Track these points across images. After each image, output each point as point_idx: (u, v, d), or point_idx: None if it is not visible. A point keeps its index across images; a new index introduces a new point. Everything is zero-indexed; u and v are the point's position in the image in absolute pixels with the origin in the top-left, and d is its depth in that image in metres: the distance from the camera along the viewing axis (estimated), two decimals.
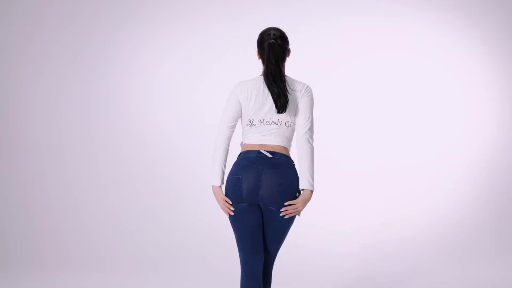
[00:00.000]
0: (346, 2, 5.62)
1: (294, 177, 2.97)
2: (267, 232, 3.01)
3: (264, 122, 2.98)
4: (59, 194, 5.47)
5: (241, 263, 3.01)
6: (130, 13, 5.59)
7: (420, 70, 5.61)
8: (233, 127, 3.04)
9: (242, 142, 3.08)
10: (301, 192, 2.97)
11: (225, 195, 2.99)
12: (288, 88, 2.95)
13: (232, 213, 2.94)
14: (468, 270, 4.99)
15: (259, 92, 2.97)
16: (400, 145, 5.57)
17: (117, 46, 5.58)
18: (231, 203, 2.95)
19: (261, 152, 2.96)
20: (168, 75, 5.61)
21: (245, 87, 3.00)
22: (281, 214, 2.93)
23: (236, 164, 2.99)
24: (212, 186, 3.01)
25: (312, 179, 2.96)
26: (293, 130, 3.03)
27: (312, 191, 2.97)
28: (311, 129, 3.00)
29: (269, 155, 2.95)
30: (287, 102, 2.92)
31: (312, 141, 3.00)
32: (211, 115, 5.26)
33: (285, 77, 2.98)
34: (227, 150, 3.03)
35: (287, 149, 3.02)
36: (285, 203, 2.92)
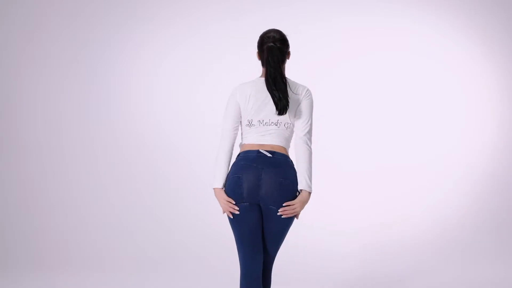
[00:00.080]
0: (346, 2, 5.62)
1: (294, 176, 2.97)
2: (266, 232, 3.01)
3: (264, 123, 2.98)
4: (59, 194, 5.47)
5: (241, 264, 3.01)
6: (130, 13, 5.59)
7: (420, 70, 5.61)
8: (236, 129, 3.04)
9: (241, 143, 3.08)
10: (299, 193, 2.97)
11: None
12: (289, 91, 2.95)
13: (238, 212, 2.94)
14: (468, 270, 4.99)
15: (258, 94, 2.97)
16: (400, 145, 5.57)
17: (117, 46, 5.59)
18: (234, 203, 2.94)
19: (261, 152, 2.96)
20: (168, 75, 5.61)
21: (244, 89, 3.01)
22: (278, 214, 2.93)
23: (235, 164, 2.99)
24: (214, 188, 3.01)
25: (310, 180, 2.97)
26: (292, 131, 3.04)
27: (310, 193, 2.98)
28: (310, 131, 3.01)
29: (269, 155, 2.95)
30: (288, 105, 2.91)
31: (311, 143, 3.01)
32: (211, 115, 5.29)
33: (287, 80, 2.98)
34: (231, 153, 3.03)
35: (286, 149, 3.02)
36: (284, 204, 2.92)
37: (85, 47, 5.56)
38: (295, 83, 3.03)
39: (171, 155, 5.55)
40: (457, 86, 5.65)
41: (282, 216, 2.94)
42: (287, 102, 2.91)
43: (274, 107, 2.93)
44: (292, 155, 3.02)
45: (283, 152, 2.99)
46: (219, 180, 2.99)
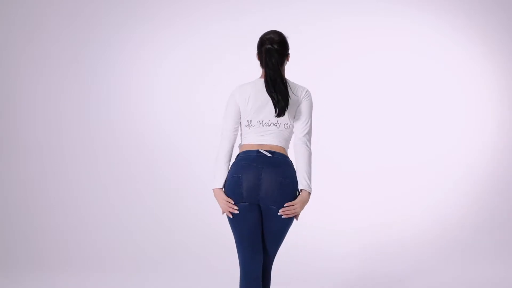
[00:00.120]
0: (346, 2, 5.62)
1: (294, 175, 2.97)
2: (266, 232, 3.00)
3: (263, 124, 2.98)
4: (59, 194, 5.47)
5: (240, 264, 3.01)
6: (130, 13, 5.59)
7: (420, 70, 5.61)
8: (236, 129, 3.04)
9: (240, 143, 3.08)
10: (299, 193, 2.97)
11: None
12: (290, 92, 2.95)
13: (237, 212, 2.93)
14: (468, 270, 4.99)
15: (258, 95, 2.97)
16: (400, 145, 5.57)
17: (117, 46, 5.59)
18: (233, 203, 2.94)
19: (260, 152, 2.96)
20: (168, 75, 5.61)
21: (243, 90, 3.01)
22: (278, 214, 2.93)
23: (235, 164, 2.99)
24: (213, 188, 3.01)
25: (310, 181, 2.97)
26: (291, 132, 3.04)
27: (310, 193, 2.97)
28: (309, 132, 3.02)
29: (269, 154, 2.95)
30: (287, 107, 2.92)
31: (310, 144, 3.01)
32: (211, 115, 5.29)
33: (286, 81, 2.98)
34: (231, 153, 3.03)
35: (285, 149, 3.02)
36: (284, 205, 2.92)
37: (85, 47, 5.56)
38: (295, 84, 3.04)
39: (171, 155, 5.55)
40: (457, 86, 5.65)
41: (282, 216, 2.94)
42: (286, 104, 2.91)
43: (273, 108, 2.94)
44: (291, 156, 3.02)
45: (282, 152, 2.99)
46: (219, 180, 2.99)
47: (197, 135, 5.51)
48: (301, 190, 2.96)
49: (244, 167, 2.94)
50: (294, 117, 3.00)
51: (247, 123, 3.00)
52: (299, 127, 3.00)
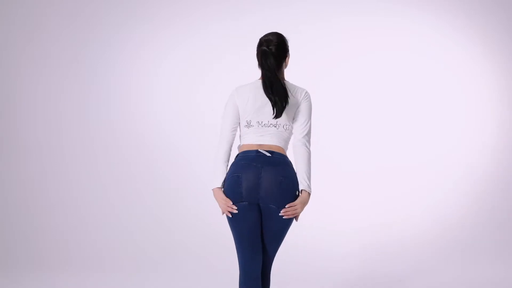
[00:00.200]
0: (346, 2, 5.62)
1: (293, 175, 2.97)
2: (265, 232, 3.00)
3: (262, 124, 2.98)
4: (59, 194, 5.48)
5: (240, 264, 3.01)
6: (130, 13, 5.59)
7: (420, 70, 5.61)
8: (235, 130, 3.04)
9: (239, 144, 3.08)
10: (300, 193, 2.97)
11: (225, 195, 2.99)
12: (289, 94, 2.95)
13: (236, 211, 2.93)
14: (468, 270, 4.99)
15: (257, 96, 2.97)
16: (400, 145, 5.57)
17: (117, 46, 5.59)
18: (232, 202, 2.94)
19: (260, 151, 2.96)
20: (168, 75, 5.61)
21: (242, 91, 3.01)
22: (280, 214, 2.93)
23: (234, 164, 2.99)
24: (213, 188, 3.01)
25: (310, 181, 2.97)
26: (291, 133, 3.04)
27: (309, 194, 2.97)
28: (308, 133, 3.02)
29: (268, 154, 2.95)
30: (284, 108, 2.92)
31: (309, 145, 3.02)
32: (211, 115, 5.29)
33: (285, 83, 2.98)
34: (229, 154, 3.04)
35: (284, 150, 3.03)
36: (286, 206, 2.92)
37: (85, 47, 5.56)
38: (294, 85, 3.04)
39: (171, 155, 5.55)
40: (457, 86, 5.65)
41: (283, 217, 2.94)
42: (283, 106, 2.91)
43: (272, 110, 2.94)
44: (290, 156, 3.02)
45: (281, 152, 2.99)
46: (218, 180, 2.99)
47: (197, 135, 5.51)
48: (301, 190, 2.96)
49: (243, 166, 2.94)
50: (294, 118, 3.01)
51: (247, 124, 3.00)
52: (299, 128, 3.00)
